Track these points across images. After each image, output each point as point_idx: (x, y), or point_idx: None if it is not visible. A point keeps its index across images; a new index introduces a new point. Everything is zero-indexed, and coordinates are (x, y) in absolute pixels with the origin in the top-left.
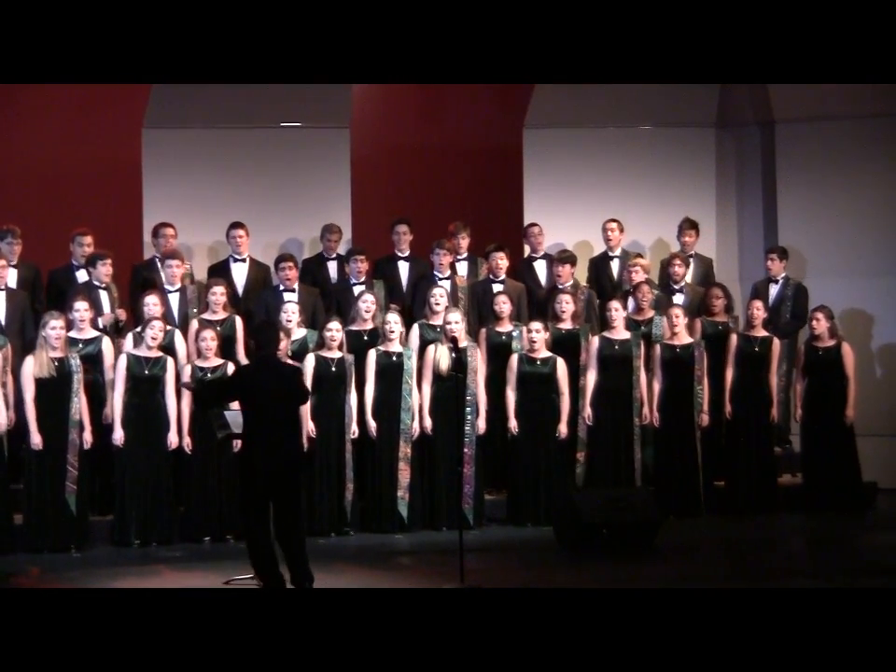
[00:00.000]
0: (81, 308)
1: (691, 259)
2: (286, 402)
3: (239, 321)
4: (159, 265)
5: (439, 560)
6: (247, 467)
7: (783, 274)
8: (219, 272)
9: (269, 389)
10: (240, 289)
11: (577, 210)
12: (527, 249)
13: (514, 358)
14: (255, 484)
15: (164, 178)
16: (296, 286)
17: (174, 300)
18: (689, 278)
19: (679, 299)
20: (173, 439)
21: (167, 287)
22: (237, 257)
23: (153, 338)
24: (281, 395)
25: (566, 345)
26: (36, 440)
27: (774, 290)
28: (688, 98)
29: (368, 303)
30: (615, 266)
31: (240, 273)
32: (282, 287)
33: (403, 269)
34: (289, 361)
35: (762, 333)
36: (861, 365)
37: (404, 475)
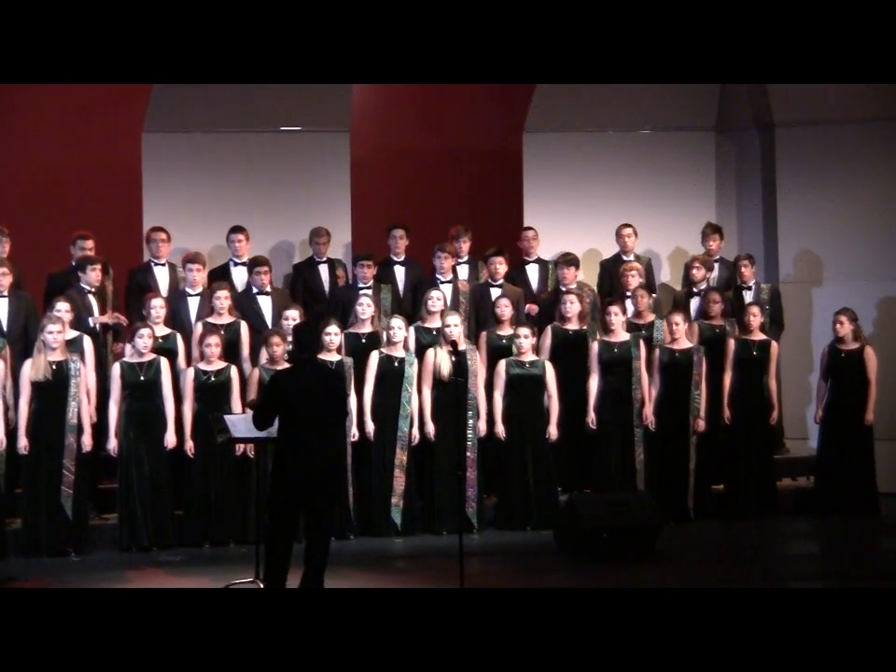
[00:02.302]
0: (63, 309)
1: (715, 264)
2: (324, 406)
3: (244, 326)
4: (154, 269)
5: (438, 564)
6: (280, 471)
7: (754, 280)
8: (219, 275)
9: (307, 392)
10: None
11: (577, 214)
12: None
13: (502, 364)
14: (286, 490)
15: (164, 182)
16: (268, 288)
17: (193, 303)
18: (713, 283)
19: (695, 302)
20: (170, 439)
21: (188, 290)
22: (237, 260)
23: (144, 346)
24: (319, 398)
25: (573, 346)
26: (23, 443)
27: (748, 297)
28: (688, 102)
29: (364, 306)
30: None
31: (240, 277)
32: (255, 291)
33: (400, 273)
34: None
35: (760, 337)
36: None
37: (399, 482)
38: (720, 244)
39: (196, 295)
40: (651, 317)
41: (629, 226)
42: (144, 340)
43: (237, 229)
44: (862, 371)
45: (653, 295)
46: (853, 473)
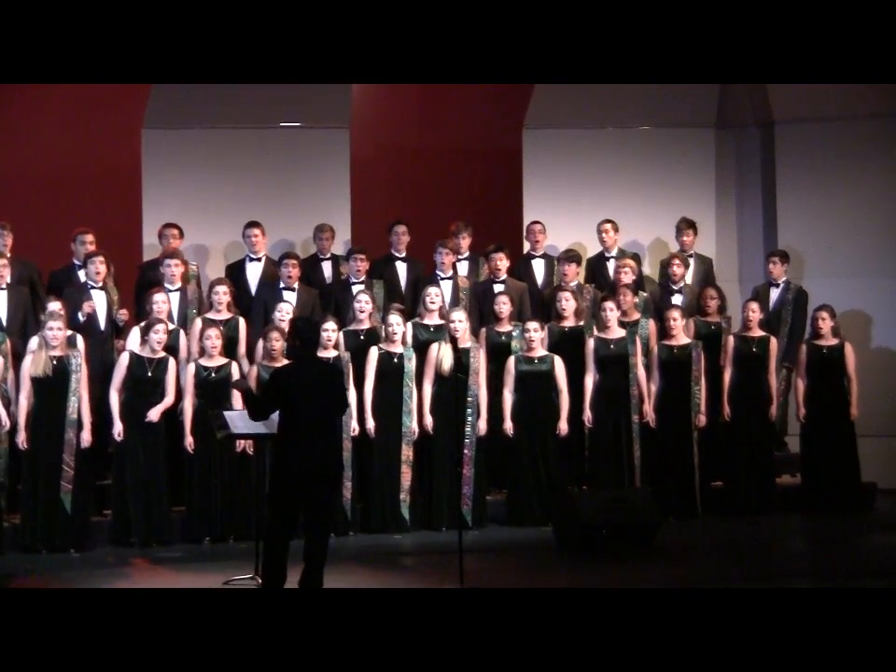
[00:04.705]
0: (55, 308)
1: (690, 260)
2: (325, 403)
3: (242, 322)
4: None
5: (438, 561)
6: (280, 468)
7: (784, 278)
8: (235, 270)
9: (307, 389)
10: (253, 288)
11: (577, 211)
12: (526, 246)
13: (511, 360)
14: (286, 486)
15: (164, 179)
16: (296, 285)
17: (174, 299)
18: (689, 278)
19: (677, 299)
20: (154, 413)
21: (167, 286)
22: (253, 256)
23: (158, 342)
24: (320, 395)
25: (569, 343)
26: (21, 438)
27: (774, 294)
28: (687, 99)
29: (363, 303)
30: (612, 266)
31: (255, 272)
32: (282, 286)
33: (401, 269)
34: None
35: (759, 333)
36: (860, 365)
37: (406, 477)
38: (693, 238)
39: (175, 290)
40: (636, 315)
41: (609, 221)
42: (159, 336)
43: (252, 224)
44: (842, 367)
45: (643, 294)
46: (838, 470)
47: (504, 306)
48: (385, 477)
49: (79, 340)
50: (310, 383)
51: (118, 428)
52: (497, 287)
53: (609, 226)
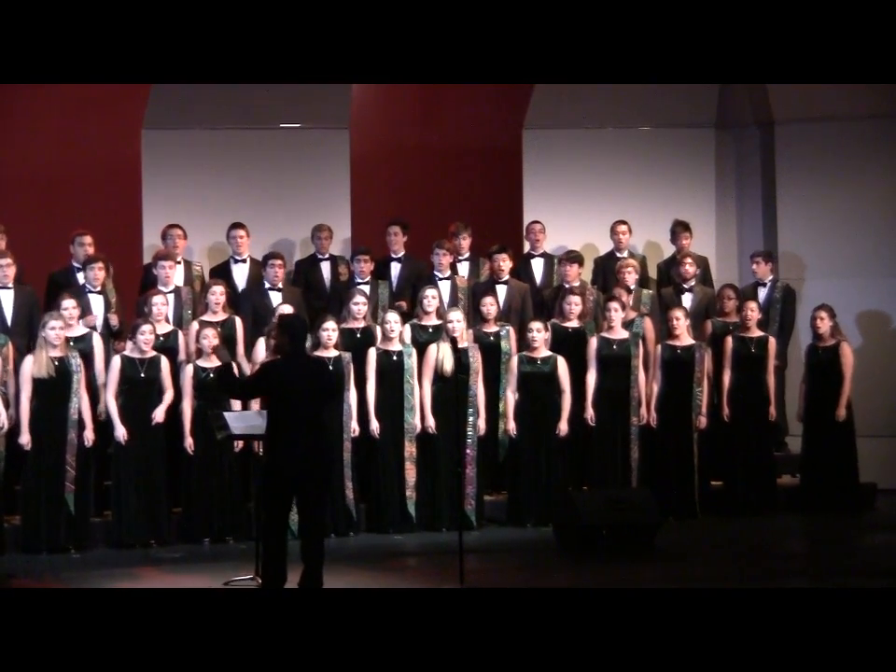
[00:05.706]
0: (69, 306)
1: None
2: (315, 399)
3: (239, 322)
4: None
5: (439, 561)
6: (272, 464)
7: (770, 277)
8: (220, 272)
9: (298, 385)
10: (240, 290)
11: (576, 211)
12: (526, 246)
13: (514, 360)
14: (278, 483)
15: (164, 179)
16: (281, 284)
17: (168, 300)
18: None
19: (686, 298)
20: (159, 414)
21: (161, 288)
22: (237, 257)
23: (145, 342)
24: (311, 391)
25: (572, 343)
26: (25, 439)
27: (762, 293)
28: (687, 99)
29: (360, 305)
30: None
31: (240, 274)
32: (268, 286)
33: (395, 269)
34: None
35: (757, 334)
36: (861, 365)
37: (410, 474)
38: (690, 240)
39: (169, 292)
40: (633, 314)
41: (624, 223)
42: (145, 336)
43: (237, 225)
44: (838, 367)
45: (649, 292)
46: (837, 470)
47: (491, 307)
48: (390, 475)
49: (96, 337)
50: (299, 379)
51: (120, 432)
52: (500, 288)
53: (626, 227)
